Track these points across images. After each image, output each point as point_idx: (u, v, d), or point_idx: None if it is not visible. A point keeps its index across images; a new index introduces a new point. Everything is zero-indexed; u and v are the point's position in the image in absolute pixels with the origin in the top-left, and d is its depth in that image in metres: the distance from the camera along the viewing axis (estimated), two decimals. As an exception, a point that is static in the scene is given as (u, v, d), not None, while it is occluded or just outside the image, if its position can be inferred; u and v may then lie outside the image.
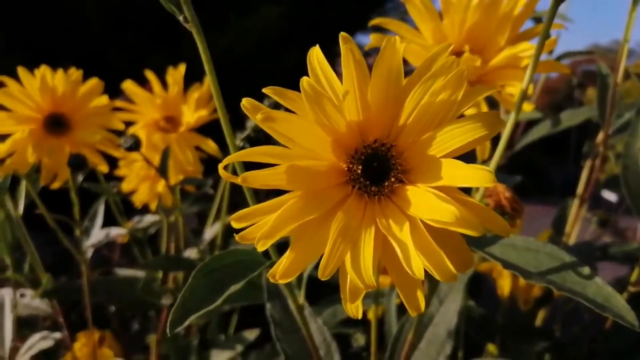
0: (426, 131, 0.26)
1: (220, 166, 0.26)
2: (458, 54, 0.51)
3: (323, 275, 0.24)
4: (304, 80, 0.25)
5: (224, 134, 0.87)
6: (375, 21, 0.50)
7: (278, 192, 0.27)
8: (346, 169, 0.27)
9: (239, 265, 0.34)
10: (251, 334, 0.83)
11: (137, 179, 0.76)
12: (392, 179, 0.27)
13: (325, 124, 0.26)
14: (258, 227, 0.26)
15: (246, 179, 0.25)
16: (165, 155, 0.63)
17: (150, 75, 0.73)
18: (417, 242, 0.24)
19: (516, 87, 0.47)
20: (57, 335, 0.70)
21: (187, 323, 0.28)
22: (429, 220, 0.24)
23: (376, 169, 0.27)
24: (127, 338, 1.06)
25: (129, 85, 0.73)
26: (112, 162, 0.69)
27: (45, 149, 0.56)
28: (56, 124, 0.59)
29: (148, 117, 0.75)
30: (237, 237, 0.26)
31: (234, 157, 0.26)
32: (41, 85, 0.57)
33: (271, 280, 0.26)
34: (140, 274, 0.88)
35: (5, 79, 0.57)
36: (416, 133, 0.27)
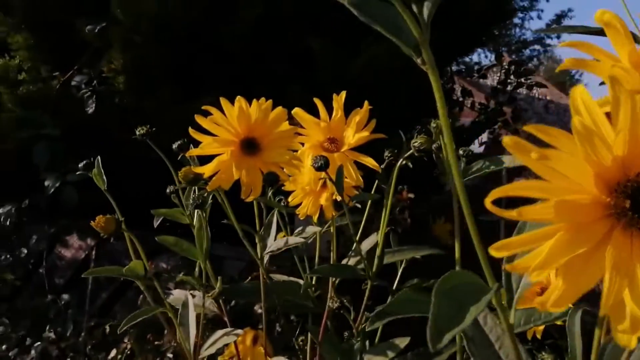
0: (700, 166, 0.25)
1: (488, 200, 0.27)
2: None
3: (604, 309, 0.24)
4: (575, 120, 0.25)
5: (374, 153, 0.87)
6: (565, 43, 0.49)
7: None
8: (611, 202, 0.27)
9: (468, 287, 0.34)
10: (402, 342, 0.83)
11: (303, 193, 0.80)
12: (663, 214, 0.26)
13: (592, 160, 0.26)
14: (530, 259, 0.26)
15: (521, 213, 0.25)
16: (340, 173, 0.65)
17: (317, 102, 0.76)
18: None
19: None
20: (239, 331, 0.74)
21: (445, 341, 0.29)
22: None
23: (644, 203, 0.26)
24: (272, 339, 1.10)
25: (298, 111, 0.77)
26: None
27: (245, 168, 0.61)
28: (249, 146, 0.64)
29: (314, 139, 0.78)
30: (507, 266, 0.26)
31: (500, 191, 0.27)
32: (239, 114, 0.61)
33: (540, 308, 0.26)
34: (293, 279, 0.92)
35: (211, 109, 0.62)
36: (687, 168, 0.26)
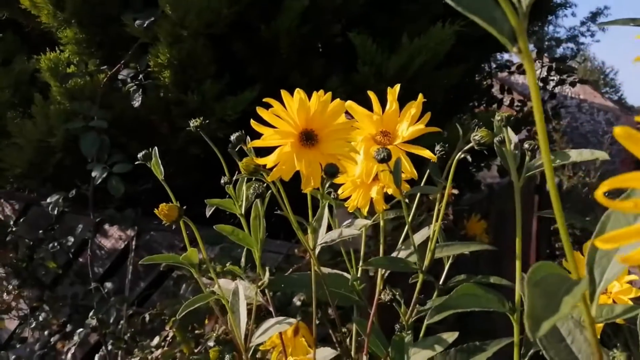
0: None
1: (599, 192, 0.26)
2: None
3: None
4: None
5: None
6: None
7: None
8: None
9: (556, 279, 0.34)
10: (450, 337, 0.83)
11: (353, 186, 0.80)
12: None
13: None
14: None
15: (638, 204, 0.25)
16: (398, 165, 0.65)
17: (371, 94, 0.76)
18: None
19: None
20: (292, 320, 0.75)
21: (543, 331, 0.29)
22: None
23: None
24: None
25: (351, 104, 0.77)
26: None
27: (304, 159, 0.61)
28: (308, 138, 0.64)
29: (366, 131, 0.78)
30: (619, 258, 0.26)
31: (612, 183, 0.26)
32: (299, 106, 0.62)
33: None
34: (337, 272, 0.92)
35: (271, 101, 0.63)
36: None
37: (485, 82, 2.10)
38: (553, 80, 2.15)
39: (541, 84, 2.16)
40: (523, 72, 2.18)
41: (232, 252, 1.56)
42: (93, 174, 1.38)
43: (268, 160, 0.60)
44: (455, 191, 1.04)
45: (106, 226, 1.82)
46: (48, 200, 1.42)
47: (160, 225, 1.92)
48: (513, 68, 2.24)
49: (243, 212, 0.84)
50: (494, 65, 2.16)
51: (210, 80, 1.38)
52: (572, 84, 2.14)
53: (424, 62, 1.46)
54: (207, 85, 1.37)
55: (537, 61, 2.17)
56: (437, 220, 0.79)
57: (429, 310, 0.77)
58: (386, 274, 0.81)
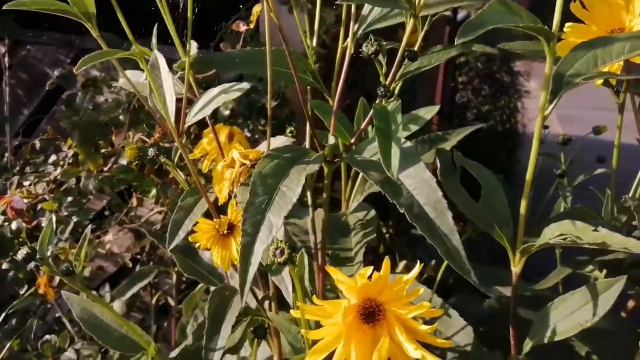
0: None
1: None
2: None
3: None
4: None
5: None
6: None
7: None
8: None
9: None
10: (427, 112, 0.70)
11: None
12: None
13: None
14: None
15: None
16: None
17: None
18: None
19: None
20: (244, 85, 0.56)
21: None
22: None
23: None
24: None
25: None
26: None
27: None
28: None
29: None
30: None
31: None
32: None
33: None
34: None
35: None
36: None
37: None
38: None
39: None
40: None
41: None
42: None
43: None
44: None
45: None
46: None
47: (40, 37, 1.55)
48: None
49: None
50: None
51: None
52: None
53: None
54: None
55: None
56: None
57: (415, 69, 0.61)
58: (359, 32, 0.62)
